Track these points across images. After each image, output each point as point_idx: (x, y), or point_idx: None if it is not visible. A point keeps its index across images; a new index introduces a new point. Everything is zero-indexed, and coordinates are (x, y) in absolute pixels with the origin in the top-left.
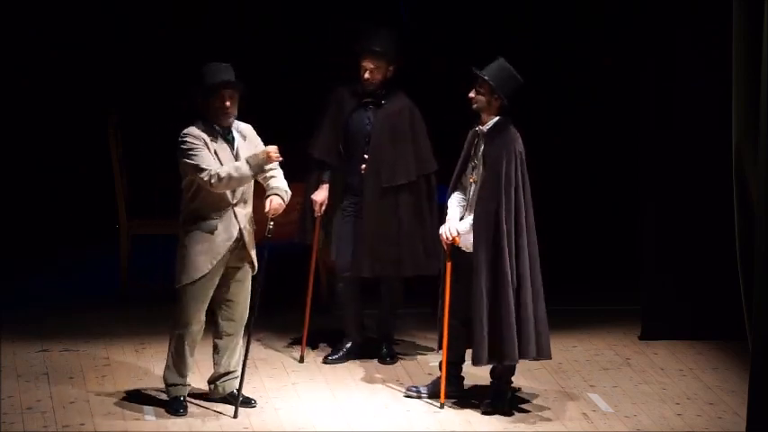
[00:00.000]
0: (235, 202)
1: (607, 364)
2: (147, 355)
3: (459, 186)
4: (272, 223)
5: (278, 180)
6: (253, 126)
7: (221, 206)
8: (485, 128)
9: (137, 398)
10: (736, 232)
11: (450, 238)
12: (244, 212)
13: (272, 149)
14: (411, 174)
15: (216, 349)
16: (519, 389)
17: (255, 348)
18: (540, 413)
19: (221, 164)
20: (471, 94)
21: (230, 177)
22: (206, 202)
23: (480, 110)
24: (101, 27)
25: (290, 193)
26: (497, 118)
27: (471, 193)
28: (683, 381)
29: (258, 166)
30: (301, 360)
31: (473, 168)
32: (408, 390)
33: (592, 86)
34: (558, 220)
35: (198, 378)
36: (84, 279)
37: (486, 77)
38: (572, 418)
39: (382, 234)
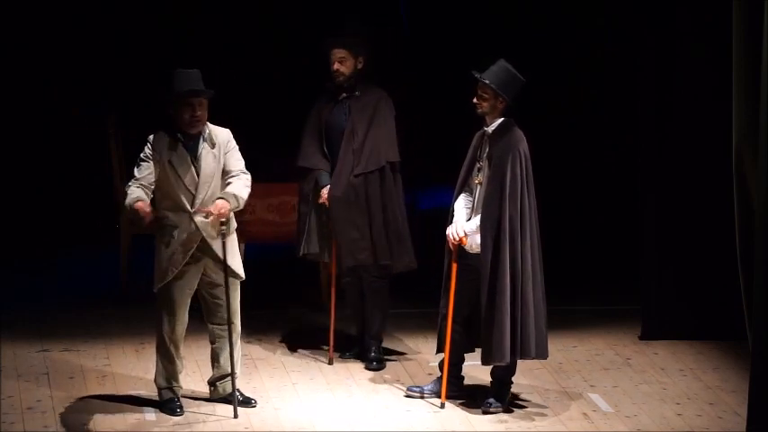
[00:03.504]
0: (194, 210)
1: (607, 363)
2: (147, 355)
3: (466, 188)
4: (223, 227)
5: (232, 186)
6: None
7: (179, 214)
8: (490, 129)
9: (137, 398)
10: (736, 232)
11: (458, 239)
12: (207, 220)
13: (145, 213)
14: (380, 160)
15: (213, 352)
16: (519, 392)
17: (255, 348)
18: (540, 413)
19: (175, 172)
20: (475, 100)
21: (127, 201)
22: (165, 210)
23: (485, 113)
24: (101, 28)
25: (240, 197)
26: (502, 119)
27: (477, 195)
28: (684, 380)
29: (126, 208)
30: (330, 362)
31: (479, 170)
32: (409, 389)
33: (591, 87)
34: (559, 220)
35: (198, 378)
36: (84, 279)
37: (487, 81)
38: (572, 418)
39: (354, 225)
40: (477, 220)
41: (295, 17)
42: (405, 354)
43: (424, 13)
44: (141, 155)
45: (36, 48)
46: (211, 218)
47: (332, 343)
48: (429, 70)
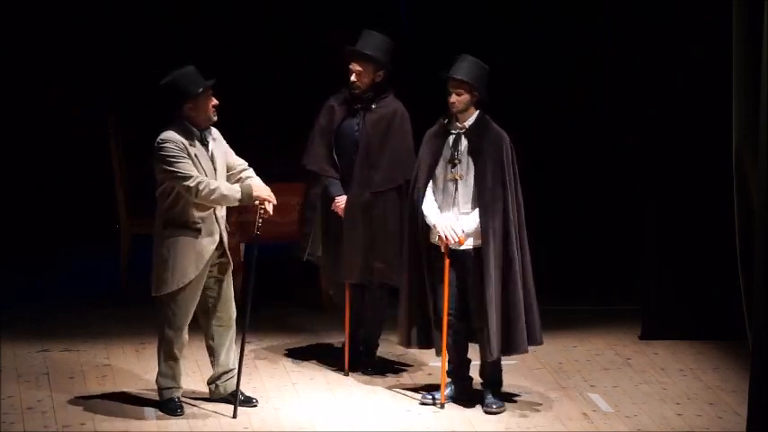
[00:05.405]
0: (217, 206)
1: (607, 363)
2: (147, 355)
3: (433, 187)
4: (260, 221)
5: (257, 180)
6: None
7: (205, 210)
8: (466, 124)
9: (137, 398)
10: (736, 232)
11: (456, 240)
12: (222, 214)
13: (272, 198)
14: (398, 178)
15: (210, 351)
16: (519, 392)
17: (255, 348)
18: (540, 413)
19: (202, 168)
20: (452, 99)
21: (217, 192)
22: (190, 207)
23: (461, 111)
24: (101, 28)
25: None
26: (477, 113)
27: (458, 191)
28: (684, 380)
29: (249, 198)
30: (346, 374)
31: (453, 166)
32: (424, 397)
33: (591, 87)
34: (559, 220)
35: (198, 378)
36: (84, 279)
37: (461, 78)
38: (572, 418)
39: (370, 241)
40: (474, 216)
41: (295, 17)
42: (404, 354)
43: (424, 13)
44: (172, 153)
45: (36, 48)
46: (264, 213)
47: (347, 355)
48: (429, 70)
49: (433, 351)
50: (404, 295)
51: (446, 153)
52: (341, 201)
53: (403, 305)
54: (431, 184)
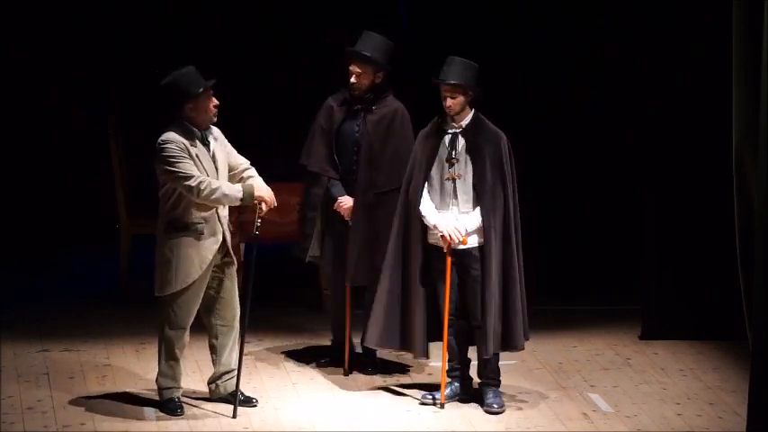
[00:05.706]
0: (219, 205)
1: (607, 363)
2: (147, 355)
3: (428, 187)
4: (259, 221)
5: (259, 180)
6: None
7: (207, 210)
8: (463, 123)
9: (137, 398)
10: (737, 232)
11: (460, 239)
12: (225, 214)
13: (272, 200)
14: (401, 178)
15: (213, 349)
16: (519, 392)
17: (255, 348)
18: (540, 413)
19: (204, 168)
20: (448, 103)
21: (219, 192)
22: (192, 208)
23: (458, 113)
24: (101, 28)
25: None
26: (472, 112)
27: (456, 190)
28: (684, 380)
29: (251, 198)
30: (346, 374)
31: (451, 166)
32: (424, 397)
33: (591, 87)
34: (559, 220)
35: (198, 378)
36: (84, 279)
37: (455, 82)
38: (572, 418)
39: (372, 242)
40: (475, 215)
41: (295, 17)
42: (404, 354)
43: (424, 13)
44: (173, 154)
45: (36, 48)
46: (262, 212)
47: (347, 355)
48: (429, 70)
49: (430, 351)
50: (382, 294)
51: (442, 152)
52: (343, 201)
53: (381, 304)
54: (426, 184)
